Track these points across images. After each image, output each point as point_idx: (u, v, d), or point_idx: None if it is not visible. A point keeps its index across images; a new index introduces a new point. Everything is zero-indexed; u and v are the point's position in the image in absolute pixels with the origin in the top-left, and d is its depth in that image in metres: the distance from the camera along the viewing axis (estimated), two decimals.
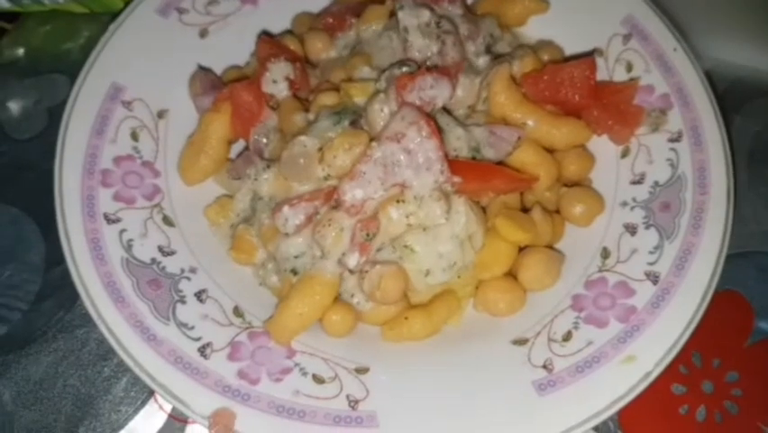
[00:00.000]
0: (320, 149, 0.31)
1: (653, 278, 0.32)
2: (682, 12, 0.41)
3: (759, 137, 0.41)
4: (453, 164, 0.31)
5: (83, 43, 0.42)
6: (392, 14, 0.36)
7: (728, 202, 0.33)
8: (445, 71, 0.32)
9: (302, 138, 0.31)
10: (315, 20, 0.38)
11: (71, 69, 0.37)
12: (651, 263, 0.32)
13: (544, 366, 0.30)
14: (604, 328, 0.31)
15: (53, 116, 0.39)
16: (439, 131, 0.31)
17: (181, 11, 0.37)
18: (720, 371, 0.35)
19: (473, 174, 0.31)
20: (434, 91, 0.32)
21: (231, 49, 0.38)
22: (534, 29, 0.39)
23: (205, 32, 0.38)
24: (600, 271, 0.33)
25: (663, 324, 0.30)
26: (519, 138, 0.33)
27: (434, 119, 0.31)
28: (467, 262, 0.32)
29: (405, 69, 0.32)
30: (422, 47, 0.34)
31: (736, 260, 0.38)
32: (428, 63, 0.33)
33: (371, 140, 0.31)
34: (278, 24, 0.39)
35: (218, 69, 0.37)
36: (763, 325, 0.36)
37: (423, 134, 0.30)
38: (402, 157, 0.30)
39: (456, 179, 0.31)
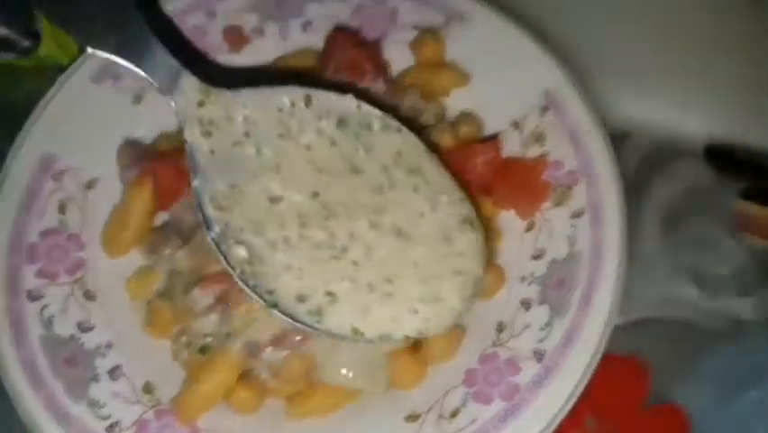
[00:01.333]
0: None
1: (539, 356, 0.33)
2: (606, 74, 0.44)
3: (675, 200, 0.43)
4: None
5: (25, 96, 0.43)
6: None
7: (618, 281, 0.35)
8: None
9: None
10: None
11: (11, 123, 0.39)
12: (540, 340, 0.34)
13: None
14: (488, 406, 0.33)
15: None
16: None
17: (116, 77, 0.39)
18: None
19: None
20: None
21: (165, 113, 0.39)
22: (456, 100, 0.40)
23: (139, 97, 0.39)
24: (494, 345, 0.35)
25: (542, 403, 0.32)
26: None
27: None
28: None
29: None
30: None
31: (640, 326, 0.40)
32: None
33: None
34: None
35: (153, 134, 0.39)
36: (659, 388, 0.38)
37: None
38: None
39: None
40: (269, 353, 0.33)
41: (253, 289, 0.31)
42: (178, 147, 0.36)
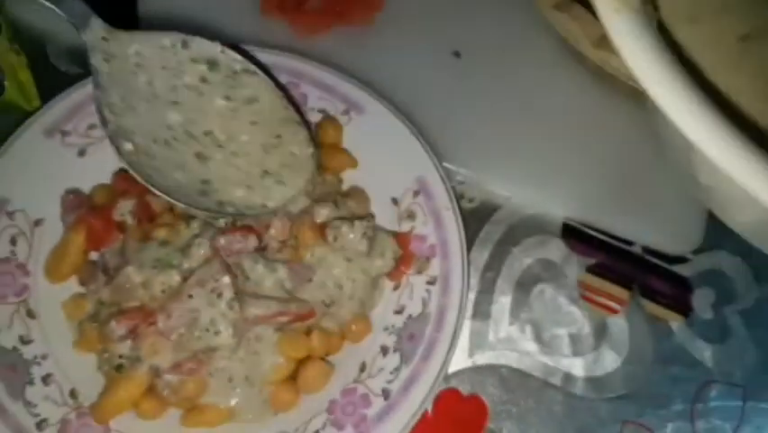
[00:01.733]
0: (143, 282, 0.41)
1: (386, 394, 0.42)
2: (478, 156, 0.51)
3: (528, 269, 0.50)
4: (248, 301, 0.41)
5: None
6: None
7: (452, 342, 0.43)
8: (252, 229, 0.42)
9: (128, 269, 0.41)
10: None
11: None
12: (388, 382, 0.42)
13: None
14: (341, 432, 0.41)
15: None
16: (242, 271, 0.42)
17: (64, 133, 0.46)
18: None
19: (263, 310, 0.42)
20: (240, 244, 0.42)
21: (103, 167, 0.46)
22: (348, 178, 0.48)
23: (83, 151, 0.46)
24: (355, 382, 0.43)
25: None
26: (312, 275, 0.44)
27: (240, 263, 0.42)
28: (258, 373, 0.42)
29: (222, 220, 0.43)
30: None
31: (485, 370, 0.47)
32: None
33: (185, 279, 0.41)
34: None
35: (90, 184, 0.46)
36: (492, 427, 0.46)
37: (223, 281, 0.40)
38: (204, 297, 0.40)
39: (250, 312, 0.41)
40: (169, 375, 0.41)
41: (148, 179, 0.40)
42: (110, 202, 0.44)
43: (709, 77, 0.31)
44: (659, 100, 0.27)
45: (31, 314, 0.43)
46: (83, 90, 0.46)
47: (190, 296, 0.40)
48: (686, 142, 0.27)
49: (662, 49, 0.28)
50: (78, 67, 0.52)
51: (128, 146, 0.40)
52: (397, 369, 0.43)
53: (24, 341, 0.42)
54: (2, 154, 0.45)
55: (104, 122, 0.40)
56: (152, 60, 0.42)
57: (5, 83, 0.48)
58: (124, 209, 0.43)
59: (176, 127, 0.41)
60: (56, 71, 0.53)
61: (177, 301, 0.40)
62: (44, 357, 0.42)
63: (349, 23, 0.53)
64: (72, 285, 0.44)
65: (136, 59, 0.42)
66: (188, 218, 0.43)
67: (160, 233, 0.42)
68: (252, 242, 0.42)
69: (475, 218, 0.51)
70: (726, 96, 0.31)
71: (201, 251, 0.41)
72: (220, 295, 0.40)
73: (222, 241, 0.41)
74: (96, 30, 0.42)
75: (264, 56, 0.47)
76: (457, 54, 0.54)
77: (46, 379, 0.41)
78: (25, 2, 0.52)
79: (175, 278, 0.40)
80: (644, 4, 0.30)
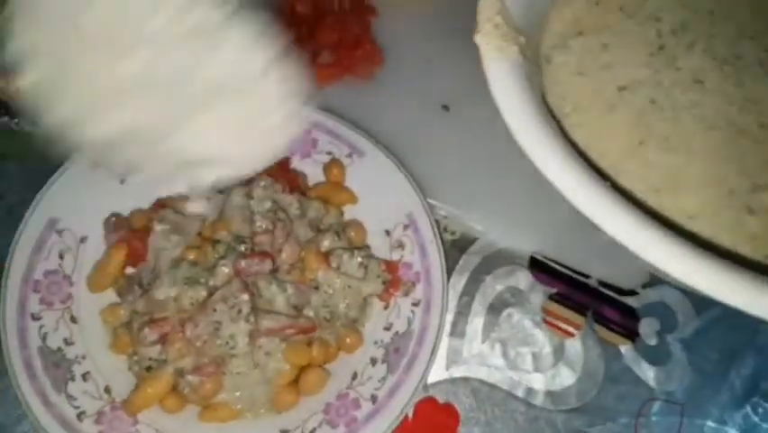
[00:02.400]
0: (174, 296, 0.48)
1: (374, 399, 0.49)
2: (461, 198, 0.58)
3: (499, 295, 0.57)
4: (261, 314, 0.49)
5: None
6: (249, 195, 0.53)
7: (431, 356, 0.50)
8: (268, 254, 0.50)
9: (163, 285, 0.48)
10: None
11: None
12: (376, 389, 0.49)
13: None
14: (335, 430, 0.48)
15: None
16: (258, 289, 0.49)
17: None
18: None
19: (274, 323, 0.49)
20: (257, 267, 0.50)
21: (141, 194, 0.53)
22: (348, 212, 0.56)
23: (123, 180, 0.54)
24: (348, 388, 0.50)
25: (370, 432, 0.48)
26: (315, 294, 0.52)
27: (256, 282, 0.49)
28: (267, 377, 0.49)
29: (242, 246, 0.50)
30: (262, 224, 0.51)
31: (459, 381, 0.54)
32: (258, 240, 0.51)
33: (210, 295, 0.48)
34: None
35: (131, 207, 0.53)
36: (463, 430, 0.52)
37: (242, 298, 0.48)
38: (226, 311, 0.48)
39: (263, 325, 0.49)
40: (191, 376, 0.48)
41: None
42: (147, 225, 0.51)
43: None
44: (524, 147, 0.35)
45: (73, 319, 0.50)
46: None
47: (214, 310, 0.47)
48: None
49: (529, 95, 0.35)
50: None
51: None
52: (384, 378, 0.50)
53: (68, 343, 0.49)
54: (54, 180, 0.52)
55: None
56: None
57: None
58: (160, 232, 0.50)
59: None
60: None
61: (202, 314, 0.47)
62: (84, 357, 0.49)
63: (354, 75, 0.61)
64: (110, 296, 0.51)
65: None
66: (214, 242, 0.50)
67: (190, 254, 0.50)
68: (268, 265, 0.49)
69: (455, 249, 0.59)
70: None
71: (225, 271, 0.48)
72: (239, 310, 0.47)
73: (242, 263, 0.49)
74: None
75: None
76: (446, 107, 0.62)
77: (85, 376, 0.48)
78: None
79: (202, 293, 0.48)
80: (525, 54, 0.36)
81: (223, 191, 0.53)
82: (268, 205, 0.51)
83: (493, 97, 0.35)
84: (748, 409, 0.56)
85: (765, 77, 0.42)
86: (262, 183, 0.51)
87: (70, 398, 0.47)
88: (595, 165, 0.39)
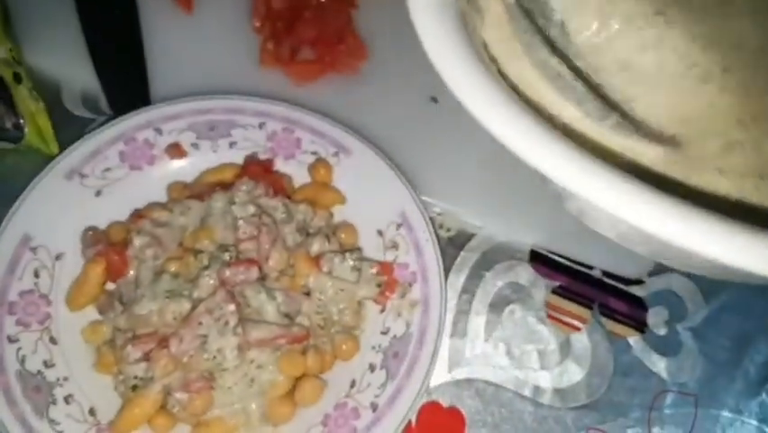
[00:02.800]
0: (156, 310, 0.46)
1: (374, 407, 0.47)
2: (455, 190, 0.56)
3: (500, 291, 0.55)
4: (250, 325, 0.46)
5: (9, 170, 0.53)
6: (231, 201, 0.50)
7: (432, 359, 0.48)
8: (254, 261, 0.48)
9: (143, 299, 0.46)
10: (185, 189, 0.52)
11: None
12: (376, 396, 0.47)
13: None
14: None
15: None
16: (245, 298, 0.47)
17: (83, 176, 0.51)
18: None
19: (264, 333, 0.47)
20: (243, 276, 0.47)
21: (118, 206, 0.51)
22: (338, 213, 0.53)
23: (99, 192, 0.51)
24: (346, 396, 0.48)
25: None
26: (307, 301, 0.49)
27: (243, 291, 0.47)
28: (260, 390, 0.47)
29: (226, 254, 0.48)
30: (246, 230, 0.49)
31: (462, 383, 0.52)
32: (243, 248, 0.48)
33: (194, 307, 0.46)
34: (157, 187, 0.52)
35: (108, 221, 0.51)
36: None
37: (228, 309, 0.46)
38: (212, 323, 0.45)
39: (252, 336, 0.46)
40: (179, 394, 0.45)
41: None
42: (125, 237, 0.49)
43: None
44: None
45: (53, 340, 0.47)
46: (99, 137, 0.51)
47: (200, 323, 0.44)
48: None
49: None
50: (91, 111, 0.58)
51: None
52: (383, 384, 0.47)
53: (48, 365, 0.47)
54: (26, 195, 0.49)
55: None
56: None
57: (26, 129, 0.53)
58: (139, 243, 0.47)
59: None
60: (70, 115, 0.58)
61: (187, 327, 0.45)
62: (66, 379, 0.46)
63: (338, 72, 0.59)
64: (90, 313, 0.49)
65: None
66: (197, 252, 0.48)
67: (172, 266, 0.47)
68: (254, 273, 0.47)
69: (452, 246, 0.56)
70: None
71: (209, 282, 0.46)
72: (226, 322, 0.45)
73: (227, 273, 0.46)
74: None
75: (262, 106, 0.53)
76: (434, 99, 0.60)
77: (68, 399, 0.46)
78: (41, 49, 0.58)
79: (185, 306, 0.45)
80: None
81: (203, 198, 0.50)
82: (251, 210, 0.48)
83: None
84: (764, 396, 0.54)
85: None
86: (244, 187, 0.48)
87: (53, 422, 0.45)
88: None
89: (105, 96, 0.56)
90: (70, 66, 0.57)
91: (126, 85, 0.55)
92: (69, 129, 0.54)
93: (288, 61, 0.58)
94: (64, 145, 0.52)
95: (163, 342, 0.45)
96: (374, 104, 0.58)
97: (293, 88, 0.57)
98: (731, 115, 0.36)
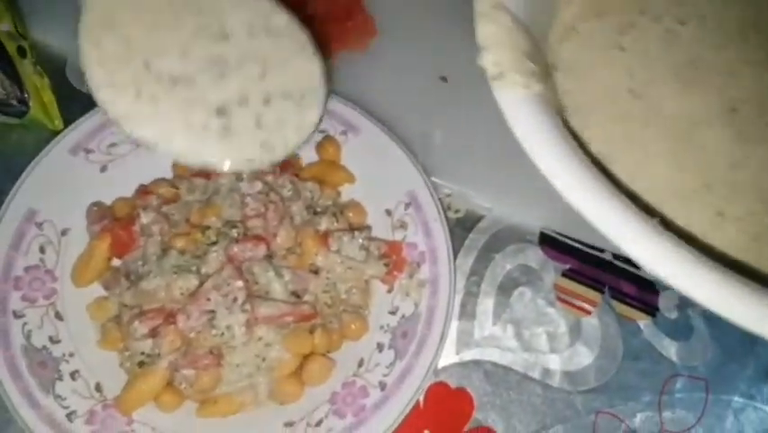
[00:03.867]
0: (164, 286, 0.45)
1: (383, 386, 0.46)
2: (464, 176, 0.55)
3: (509, 274, 0.55)
4: (258, 302, 0.46)
5: (12, 147, 0.53)
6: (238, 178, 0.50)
7: (441, 338, 0.48)
8: (261, 238, 0.47)
9: (150, 275, 0.45)
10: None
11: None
12: (384, 375, 0.47)
13: None
14: (343, 419, 0.45)
15: None
16: (252, 275, 0.46)
17: (88, 151, 0.51)
18: None
19: (272, 311, 0.46)
20: (251, 252, 0.46)
21: (123, 182, 0.51)
22: (346, 192, 0.53)
23: (104, 168, 0.51)
24: (354, 375, 0.47)
25: (378, 421, 0.45)
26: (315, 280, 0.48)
27: (251, 269, 0.46)
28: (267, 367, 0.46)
29: (234, 230, 0.47)
30: (254, 207, 0.48)
31: (470, 365, 0.51)
32: (251, 225, 0.48)
33: (201, 283, 0.45)
34: (162, 164, 0.52)
35: (113, 196, 0.50)
36: (478, 416, 0.50)
37: (236, 285, 0.45)
38: (220, 300, 0.45)
39: (260, 313, 0.45)
40: (187, 370, 0.45)
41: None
42: (131, 213, 0.48)
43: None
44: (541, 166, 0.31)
45: (59, 316, 0.47)
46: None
47: (207, 299, 0.44)
48: None
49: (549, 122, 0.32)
50: None
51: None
52: (392, 363, 0.47)
53: (53, 340, 0.46)
54: (31, 170, 0.49)
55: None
56: None
57: (30, 103, 0.52)
58: (147, 219, 0.47)
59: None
60: (75, 91, 0.57)
61: (195, 303, 0.44)
62: (71, 355, 0.46)
63: (346, 49, 0.58)
64: (96, 289, 0.48)
65: None
66: (204, 229, 0.47)
67: (179, 242, 0.47)
68: (262, 250, 0.46)
69: (461, 228, 0.56)
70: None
71: (217, 257, 0.45)
72: (234, 298, 0.44)
73: (235, 249, 0.46)
74: None
75: None
76: (444, 79, 0.59)
77: (74, 375, 0.45)
78: (45, 23, 0.57)
79: (193, 282, 0.45)
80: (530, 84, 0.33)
81: (209, 176, 0.50)
82: (258, 186, 0.48)
83: (512, 131, 0.31)
84: None
85: None
86: None
87: (59, 398, 0.44)
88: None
89: None
90: (76, 41, 0.56)
91: None
92: (74, 105, 0.53)
93: None
94: (69, 121, 0.52)
95: (170, 318, 0.44)
96: (382, 82, 0.57)
97: None
98: None
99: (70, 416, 0.44)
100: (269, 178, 0.48)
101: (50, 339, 0.46)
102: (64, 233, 0.49)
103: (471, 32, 0.61)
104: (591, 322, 0.54)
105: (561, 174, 0.31)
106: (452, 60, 0.59)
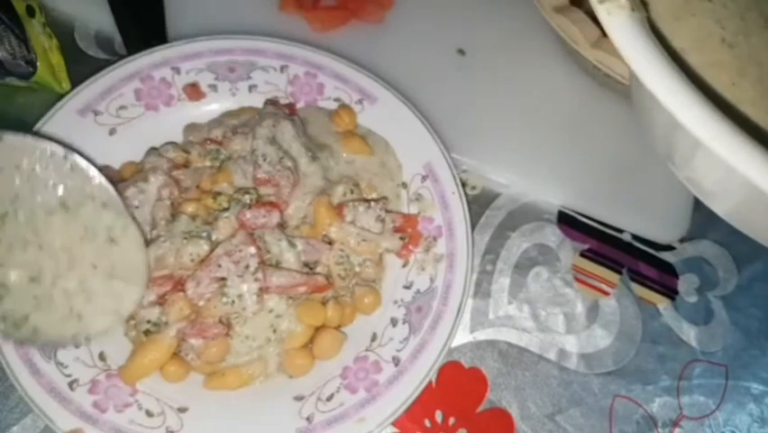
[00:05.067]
0: (173, 252, 0.44)
1: (396, 361, 0.45)
2: (483, 147, 0.54)
3: (525, 253, 0.53)
4: (271, 270, 0.44)
5: (18, 109, 0.51)
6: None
7: (458, 314, 0.46)
8: (275, 205, 0.45)
9: (159, 240, 0.44)
10: (202, 131, 0.50)
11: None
12: (398, 350, 0.45)
13: (307, 418, 0.43)
14: (354, 394, 0.44)
15: None
16: (265, 244, 0.45)
17: (96, 113, 0.49)
18: (454, 428, 0.47)
19: (285, 280, 0.44)
20: (265, 219, 0.45)
21: (132, 146, 0.49)
22: (361, 163, 0.50)
23: (113, 130, 0.49)
24: (366, 350, 0.46)
25: (391, 397, 0.43)
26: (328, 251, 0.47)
27: (263, 237, 0.45)
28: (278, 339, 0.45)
29: (247, 196, 0.46)
30: (266, 171, 0.47)
31: (485, 345, 0.50)
32: (263, 192, 0.46)
33: (212, 250, 0.44)
34: (173, 128, 0.50)
35: (122, 160, 0.49)
36: (492, 397, 0.49)
37: (249, 251, 0.43)
38: (231, 266, 0.43)
39: (272, 282, 0.44)
40: (194, 340, 0.43)
41: None
42: (138, 177, 0.47)
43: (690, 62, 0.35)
44: (646, 81, 0.31)
45: None
46: (114, 74, 0.49)
47: (219, 265, 0.42)
48: (672, 120, 0.30)
49: (652, 41, 0.32)
50: (105, 52, 0.55)
51: None
52: (406, 339, 0.45)
53: None
54: (38, 130, 0.47)
55: None
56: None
57: (38, 63, 0.51)
58: (154, 185, 0.45)
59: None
60: (83, 55, 0.55)
61: (205, 270, 0.42)
62: None
63: (362, 20, 0.57)
64: None
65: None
66: (215, 194, 0.45)
67: (189, 207, 0.45)
68: (275, 217, 0.44)
69: (477, 204, 0.54)
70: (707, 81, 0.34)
71: (228, 224, 0.44)
72: (246, 265, 0.42)
73: (247, 215, 0.44)
74: None
75: (284, 48, 0.51)
76: (462, 52, 0.57)
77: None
78: None
79: (203, 248, 0.43)
80: (634, 7, 0.33)
81: (221, 142, 0.48)
82: (272, 149, 0.46)
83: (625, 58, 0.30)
84: None
85: None
86: (266, 122, 0.46)
87: (60, 365, 0.43)
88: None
89: (121, 35, 0.53)
90: (85, 3, 0.55)
91: (142, 25, 0.53)
92: (83, 70, 0.52)
93: (310, 7, 0.56)
94: (76, 85, 0.50)
95: (179, 285, 0.43)
96: (398, 55, 0.56)
97: (314, 36, 0.55)
98: None
99: (72, 384, 0.42)
100: (284, 142, 0.47)
101: None
102: None
103: (489, 5, 0.60)
104: (610, 304, 0.53)
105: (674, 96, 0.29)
106: (469, 33, 0.58)
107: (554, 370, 0.50)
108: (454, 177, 0.49)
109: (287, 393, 0.44)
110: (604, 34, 0.50)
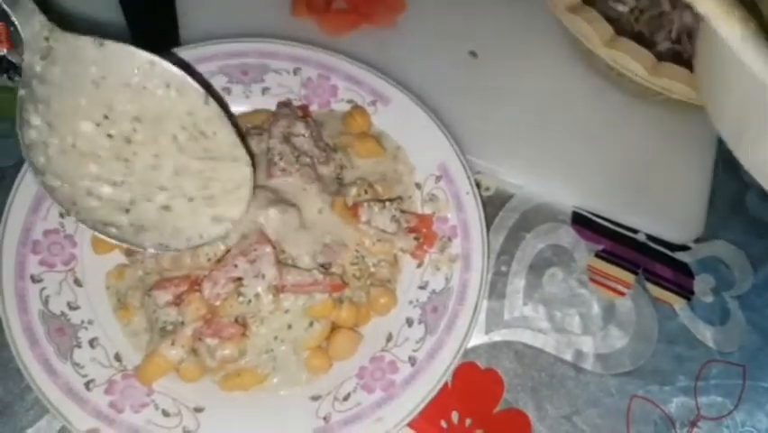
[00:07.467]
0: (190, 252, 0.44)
1: (413, 361, 0.45)
2: (497, 149, 0.54)
3: (540, 253, 0.53)
4: (287, 269, 0.44)
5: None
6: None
7: (474, 314, 0.46)
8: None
9: None
10: None
11: None
12: (414, 350, 0.45)
13: (324, 418, 0.43)
14: (371, 394, 0.44)
15: None
16: (280, 244, 0.45)
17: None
18: (471, 428, 0.47)
19: (300, 279, 0.44)
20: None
21: None
22: (375, 164, 0.50)
23: None
24: (382, 350, 0.46)
25: (408, 397, 0.43)
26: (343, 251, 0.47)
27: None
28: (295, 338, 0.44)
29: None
30: (283, 168, 0.46)
31: (501, 346, 0.50)
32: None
33: (228, 250, 0.44)
34: None
35: None
36: (508, 397, 0.48)
37: (265, 251, 0.43)
38: (247, 266, 0.43)
39: (288, 282, 0.44)
40: (211, 340, 0.43)
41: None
42: None
43: None
44: None
45: (77, 282, 0.45)
46: None
47: (235, 265, 0.42)
48: None
49: None
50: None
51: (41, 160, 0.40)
52: (422, 339, 0.45)
53: (72, 307, 0.44)
54: None
55: (22, 125, 0.39)
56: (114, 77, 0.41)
57: None
58: None
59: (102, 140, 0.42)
60: None
61: (221, 270, 0.42)
62: (90, 322, 0.44)
63: (373, 24, 0.57)
64: (117, 257, 0.47)
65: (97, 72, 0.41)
66: None
67: None
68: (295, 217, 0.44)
69: (491, 205, 0.54)
70: None
71: (244, 223, 0.44)
72: (262, 265, 0.42)
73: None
74: (37, 26, 0.39)
75: (297, 50, 0.51)
76: (474, 54, 0.57)
77: (92, 342, 0.44)
78: None
79: (220, 247, 0.43)
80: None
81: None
82: (287, 148, 0.46)
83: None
84: None
85: None
86: (282, 121, 0.46)
87: (77, 366, 0.42)
88: None
89: (132, 38, 0.54)
90: (96, 5, 0.55)
91: (154, 28, 0.53)
92: None
93: (322, 11, 0.56)
94: None
95: (195, 285, 0.43)
96: (410, 58, 0.56)
97: (326, 40, 0.55)
98: None
99: (89, 385, 0.42)
100: (299, 141, 0.47)
101: (69, 305, 0.44)
102: None
103: (501, 7, 0.60)
104: (625, 304, 0.52)
105: None
106: (480, 35, 0.58)
107: (571, 371, 0.50)
108: (469, 177, 0.49)
109: (303, 393, 0.44)
110: (617, 32, 0.50)
